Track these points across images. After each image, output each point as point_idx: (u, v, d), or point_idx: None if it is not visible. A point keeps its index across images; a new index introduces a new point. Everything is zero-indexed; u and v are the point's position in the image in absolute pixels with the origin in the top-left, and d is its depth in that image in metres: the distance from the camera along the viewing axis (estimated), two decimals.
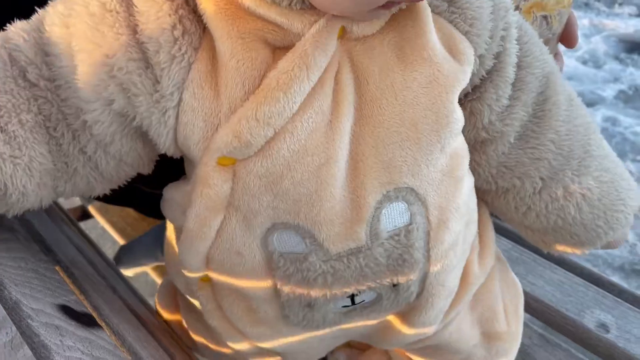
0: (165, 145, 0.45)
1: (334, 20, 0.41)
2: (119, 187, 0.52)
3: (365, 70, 0.44)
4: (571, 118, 0.54)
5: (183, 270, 0.51)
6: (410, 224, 0.47)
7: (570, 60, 2.36)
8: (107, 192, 0.51)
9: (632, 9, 2.72)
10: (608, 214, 0.56)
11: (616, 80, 2.25)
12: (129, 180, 0.52)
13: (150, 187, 0.79)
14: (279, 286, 0.48)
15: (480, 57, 0.48)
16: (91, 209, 1.06)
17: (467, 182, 0.51)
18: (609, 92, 2.18)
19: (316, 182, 0.43)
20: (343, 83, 0.43)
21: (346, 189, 0.44)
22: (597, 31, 2.56)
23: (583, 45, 2.46)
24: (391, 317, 0.56)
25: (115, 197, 0.90)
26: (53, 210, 0.79)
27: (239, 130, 0.41)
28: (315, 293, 0.48)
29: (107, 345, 0.43)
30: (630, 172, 2.03)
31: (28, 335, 0.36)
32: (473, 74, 0.48)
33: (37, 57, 0.43)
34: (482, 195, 0.59)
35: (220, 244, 0.47)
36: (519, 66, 0.51)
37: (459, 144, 0.49)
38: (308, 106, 0.42)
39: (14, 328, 0.36)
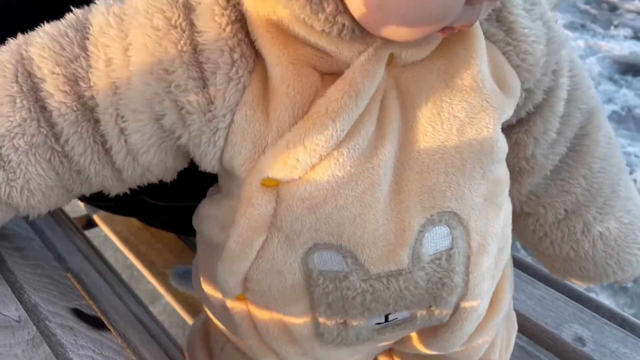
0: (211, 164, 0.45)
1: (383, 48, 0.41)
2: (125, 198, 0.54)
3: (412, 97, 0.44)
4: (607, 156, 0.55)
5: (218, 292, 0.51)
6: (452, 248, 0.46)
7: None
8: (127, 190, 0.50)
9: (627, 31, 2.77)
10: (621, 255, 0.57)
11: (610, 101, 2.29)
12: (135, 191, 0.52)
13: (154, 199, 0.83)
14: (316, 304, 0.48)
15: (527, 91, 0.48)
16: (96, 218, 1.10)
17: (506, 209, 0.51)
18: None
19: (360, 206, 0.43)
20: (388, 109, 0.43)
21: (390, 213, 0.44)
22: (592, 52, 2.61)
23: None
24: (414, 336, 0.56)
25: (121, 208, 0.95)
26: (62, 220, 0.83)
27: (285, 155, 0.42)
28: (352, 311, 0.48)
29: (115, 346, 0.47)
30: None
31: (46, 335, 0.40)
32: (519, 107, 0.49)
33: (58, 68, 0.42)
34: None
35: (261, 264, 0.47)
36: (567, 99, 0.51)
37: (501, 172, 0.49)
38: (355, 133, 0.42)
39: (34, 328, 0.40)
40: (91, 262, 0.73)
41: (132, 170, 0.46)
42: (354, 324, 0.49)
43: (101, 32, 0.42)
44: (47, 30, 0.43)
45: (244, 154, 0.43)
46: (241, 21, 0.41)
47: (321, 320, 0.49)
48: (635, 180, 1.89)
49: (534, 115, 0.51)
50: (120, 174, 0.47)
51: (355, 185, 0.42)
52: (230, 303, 0.51)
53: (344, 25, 0.38)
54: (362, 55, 0.40)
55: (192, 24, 0.40)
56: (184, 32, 0.40)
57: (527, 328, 0.78)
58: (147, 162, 0.46)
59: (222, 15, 0.40)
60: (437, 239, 0.46)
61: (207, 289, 0.55)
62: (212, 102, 0.41)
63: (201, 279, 0.56)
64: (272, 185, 0.43)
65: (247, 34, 0.41)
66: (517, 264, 0.88)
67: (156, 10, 0.40)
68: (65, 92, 0.42)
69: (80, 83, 0.42)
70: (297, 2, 0.37)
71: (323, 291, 0.47)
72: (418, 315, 0.50)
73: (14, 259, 0.49)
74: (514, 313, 0.70)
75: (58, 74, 0.42)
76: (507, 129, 0.51)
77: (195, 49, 0.40)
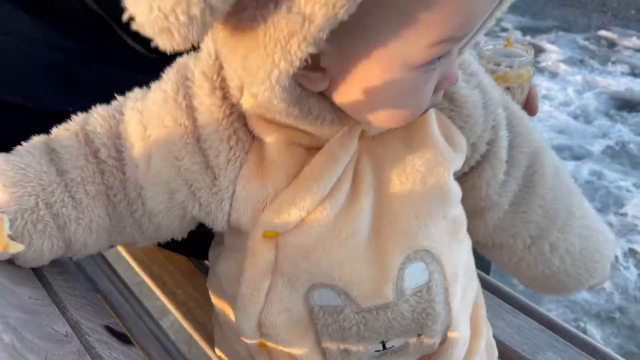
0: (221, 225, 0.55)
1: (356, 126, 0.51)
2: None
3: (381, 159, 0.53)
4: (556, 186, 0.64)
5: (239, 328, 0.59)
6: (430, 281, 0.55)
7: (562, 114, 2.49)
8: (149, 245, 0.61)
9: (624, 68, 2.86)
10: (588, 264, 0.67)
11: (604, 135, 2.36)
12: None
13: None
14: (319, 334, 0.57)
15: (472, 145, 0.58)
16: None
17: (467, 244, 0.61)
18: (597, 147, 2.30)
19: (344, 251, 0.52)
20: (362, 170, 0.53)
21: (371, 255, 0.53)
22: (589, 87, 2.69)
23: (575, 100, 2.59)
24: None
25: None
26: None
27: (279, 211, 0.51)
28: (350, 340, 0.56)
29: (140, 359, 0.55)
30: (612, 224, 2.12)
31: (88, 348, 0.48)
32: (468, 157, 0.58)
33: (109, 141, 0.54)
34: (482, 248, 0.69)
35: (271, 308, 0.55)
36: (510, 146, 0.61)
37: (458, 212, 0.58)
38: (335, 191, 0.51)
39: (78, 342, 0.48)
40: (113, 283, 0.82)
41: (147, 226, 0.57)
42: (354, 350, 0.57)
43: (128, 122, 0.54)
44: (100, 113, 0.55)
45: (247, 215, 0.53)
46: (236, 113, 0.51)
47: (326, 349, 0.58)
48: (626, 214, 1.97)
49: (482, 163, 0.60)
50: (140, 227, 0.57)
51: (339, 233, 0.52)
52: (254, 350, 0.61)
53: (325, 118, 0.48)
54: (340, 132, 0.51)
55: (195, 120, 0.51)
56: (187, 128, 0.51)
57: (505, 354, 0.86)
58: (158, 222, 0.57)
59: (219, 112, 0.51)
60: (416, 274, 0.54)
61: (233, 338, 0.65)
62: (216, 179, 0.52)
63: (228, 333, 0.66)
64: (272, 237, 0.53)
65: (244, 123, 0.52)
66: (499, 293, 0.96)
67: (166, 112, 0.52)
68: (114, 158, 0.54)
69: (121, 155, 0.54)
70: (293, 115, 0.46)
71: (324, 323, 0.56)
72: (410, 343, 0.58)
73: (58, 282, 0.57)
74: (493, 341, 0.77)
75: (109, 148, 0.54)
76: (463, 176, 0.61)
77: (198, 140, 0.51)
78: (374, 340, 0.56)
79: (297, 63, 0.39)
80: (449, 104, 0.56)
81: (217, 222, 0.55)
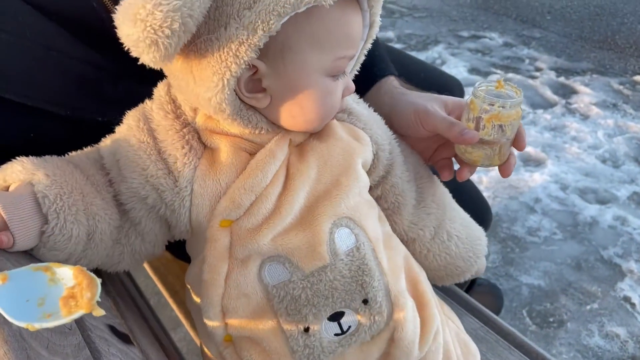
0: (184, 222, 0.67)
1: (285, 134, 0.67)
2: None
3: (305, 155, 0.69)
4: (438, 185, 0.84)
5: (206, 320, 0.67)
6: (357, 242, 0.67)
7: (590, 157, 2.47)
8: (130, 269, 0.71)
9: None
10: (474, 246, 0.83)
11: (632, 181, 2.33)
12: None
13: None
14: (277, 313, 0.65)
15: (375, 142, 0.74)
16: None
17: (383, 225, 0.74)
18: (623, 192, 2.27)
19: (284, 224, 0.65)
20: (293, 165, 0.68)
21: (305, 224, 0.66)
22: (620, 132, 2.66)
23: (605, 144, 2.57)
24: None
25: None
26: None
27: (232, 197, 0.64)
28: (304, 310, 0.65)
29: (137, 359, 0.59)
30: (632, 271, 2.08)
31: (88, 342, 0.53)
32: (381, 158, 0.75)
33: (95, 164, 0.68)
34: None
35: (230, 292, 0.65)
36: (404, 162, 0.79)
37: (369, 198, 0.73)
38: (275, 180, 0.66)
39: (80, 336, 0.53)
40: (126, 288, 0.87)
41: (134, 239, 0.69)
42: (313, 330, 0.65)
43: (104, 145, 0.70)
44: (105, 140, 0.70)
45: (205, 209, 0.66)
46: (188, 128, 0.67)
47: (286, 329, 0.65)
48: None
49: (392, 165, 0.77)
50: (129, 240, 0.69)
51: (279, 212, 0.65)
52: (222, 347, 0.69)
53: (262, 128, 0.65)
54: (275, 138, 0.67)
55: (155, 138, 0.66)
56: (149, 144, 0.66)
57: None
58: (142, 230, 0.68)
59: (173, 129, 0.66)
60: (344, 238, 0.67)
61: (202, 336, 0.73)
62: (177, 181, 0.65)
63: (197, 329, 0.73)
64: (227, 225, 0.65)
65: (197, 137, 0.67)
66: (499, 331, 0.98)
67: (131, 135, 0.67)
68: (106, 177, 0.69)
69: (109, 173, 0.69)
70: (235, 124, 0.64)
71: (279, 299, 0.65)
72: (362, 321, 0.66)
73: None
74: (466, 341, 0.80)
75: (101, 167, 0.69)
76: (382, 179, 0.77)
77: (159, 152, 0.66)
78: (324, 306, 0.65)
79: (243, 65, 0.56)
80: (347, 115, 0.75)
81: (180, 219, 0.67)
